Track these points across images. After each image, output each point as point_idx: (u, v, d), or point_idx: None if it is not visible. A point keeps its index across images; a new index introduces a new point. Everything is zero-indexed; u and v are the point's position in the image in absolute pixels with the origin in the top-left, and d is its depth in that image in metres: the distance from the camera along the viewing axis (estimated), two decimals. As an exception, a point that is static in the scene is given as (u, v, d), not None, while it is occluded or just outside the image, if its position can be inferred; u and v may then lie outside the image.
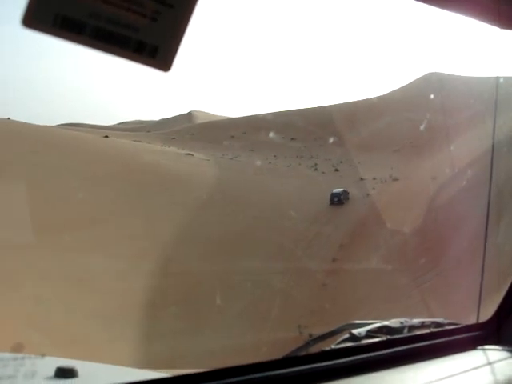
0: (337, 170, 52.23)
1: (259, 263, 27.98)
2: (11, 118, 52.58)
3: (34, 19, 0.85)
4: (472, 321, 2.57)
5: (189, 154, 55.28)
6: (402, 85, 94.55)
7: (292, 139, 67.72)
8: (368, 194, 39.00)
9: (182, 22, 0.93)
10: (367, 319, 2.13)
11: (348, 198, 39.59)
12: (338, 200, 39.27)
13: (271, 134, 70.99)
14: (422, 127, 60.34)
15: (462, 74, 76.03)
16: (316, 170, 52.86)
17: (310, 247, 30.79)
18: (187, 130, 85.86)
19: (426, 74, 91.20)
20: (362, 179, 45.80)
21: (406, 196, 33.27)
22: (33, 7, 0.85)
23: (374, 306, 21.76)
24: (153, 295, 24.21)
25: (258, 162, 54.55)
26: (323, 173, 51.02)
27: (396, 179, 43.54)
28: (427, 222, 25.36)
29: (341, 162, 54.85)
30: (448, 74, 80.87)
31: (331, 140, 63.59)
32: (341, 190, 40.06)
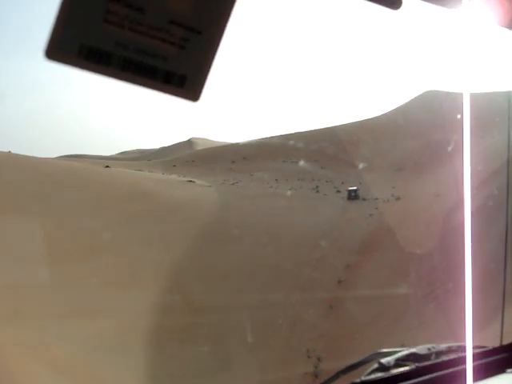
0: (338, 192, 52.19)
1: (264, 288, 27.89)
2: (12, 151, 52.86)
3: (58, 51, 0.81)
4: (494, 343, 2.51)
5: (190, 180, 55.35)
6: (400, 104, 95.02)
7: (292, 162, 67.85)
8: (371, 215, 38.94)
9: (211, 48, 0.88)
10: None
11: (359, 195, 48.59)
12: (355, 195, 48.28)
13: (271, 158, 71.15)
14: (422, 145, 60.46)
15: (460, 91, 76.35)
16: (318, 192, 52.79)
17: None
18: (188, 157, 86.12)
19: (424, 93, 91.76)
20: (364, 199, 45.85)
21: (409, 215, 33.20)
22: (57, 38, 0.80)
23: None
24: (157, 328, 23.98)
25: (260, 187, 54.59)
26: (325, 195, 50.96)
27: (398, 198, 43.50)
28: (434, 242, 25.25)
29: (342, 183, 54.89)
30: (445, 92, 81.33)
31: (331, 162, 63.72)
32: (355, 187, 49.26)
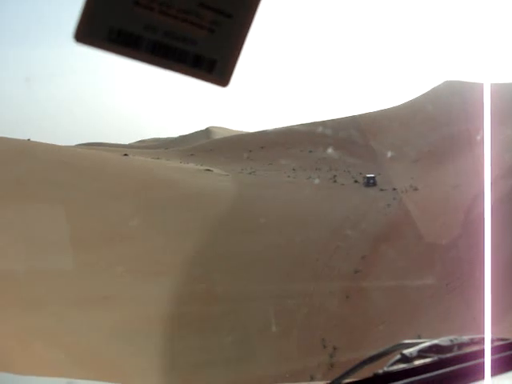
0: (356, 182, 52.04)
1: (281, 278, 27.92)
2: (31, 139, 53.22)
3: (87, 34, 0.79)
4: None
5: (208, 169, 55.43)
6: (421, 93, 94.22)
7: (310, 152, 67.63)
8: (389, 205, 38.79)
9: (241, 32, 0.86)
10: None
11: (376, 182, 49.75)
12: (373, 182, 49.72)
13: (289, 147, 70.97)
14: (442, 135, 59.95)
15: (480, 81, 75.45)
16: (335, 181, 52.63)
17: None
18: (205, 145, 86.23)
19: (445, 82, 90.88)
20: (382, 190, 45.64)
21: (427, 205, 33.01)
22: (86, 21, 0.79)
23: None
24: (177, 316, 24.06)
25: (277, 176, 54.53)
26: (342, 184, 50.81)
27: (416, 189, 43.23)
28: (450, 232, 25.09)
29: (360, 174, 54.68)
30: (465, 82, 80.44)
31: (350, 151, 63.45)
32: (372, 175, 50.76)
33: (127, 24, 0.80)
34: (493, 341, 2.20)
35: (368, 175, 51.35)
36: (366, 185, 49.83)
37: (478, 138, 34.24)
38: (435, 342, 2.01)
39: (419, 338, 2.11)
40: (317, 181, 51.28)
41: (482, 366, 2.04)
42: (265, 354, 21.82)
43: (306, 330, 23.72)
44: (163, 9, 0.80)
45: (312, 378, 19.05)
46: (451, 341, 2.07)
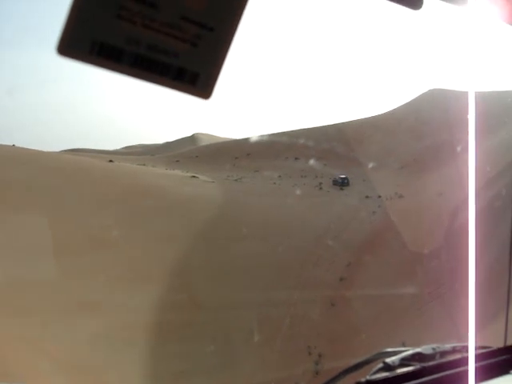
0: (342, 189, 52.22)
1: (265, 285, 27.89)
2: (15, 144, 52.87)
3: (69, 47, 0.80)
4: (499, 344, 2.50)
5: (194, 176, 55.32)
6: (405, 101, 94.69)
7: (296, 159, 67.71)
8: (374, 212, 38.93)
9: (223, 46, 0.88)
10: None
11: (349, 183, 52.51)
12: (347, 182, 52.52)
13: (275, 155, 71.02)
14: (426, 144, 60.35)
15: (465, 90, 76.06)
16: (321, 189, 52.78)
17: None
18: (191, 152, 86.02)
19: (429, 91, 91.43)
20: (367, 197, 45.79)
21: (411, 212, 33.17)
22: (69, 34, 0.80)
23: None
24: (160, 324, 23.95)
25: (263, 183, 54.56)
26: (328, 191, 50.97)
27: (401, 196, 43.44)
28: (438, 240, 25.21)
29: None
30: (449, 90, 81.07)
31: (336, 159, 63.63)
32: (344, 175, 53.32)
33: (110, 37, 0.80)
34: (475, 349, 2.22)
35: (341, 176, 53.30)
36: (341, 184, 52.16)
37: (463, 146, 34.52)
38: (418, 350, 2.02)
39: (404, 345, 2.11)
40: (303, 188, 51.37)
41: (464, 374, 2.05)
42: (249, 362, 21.76)
43: (292, 338, 23.69)
44: (146, 22, 0.81)
45: (297, 386, 19.04)
46: (433, 349, 2.08)
